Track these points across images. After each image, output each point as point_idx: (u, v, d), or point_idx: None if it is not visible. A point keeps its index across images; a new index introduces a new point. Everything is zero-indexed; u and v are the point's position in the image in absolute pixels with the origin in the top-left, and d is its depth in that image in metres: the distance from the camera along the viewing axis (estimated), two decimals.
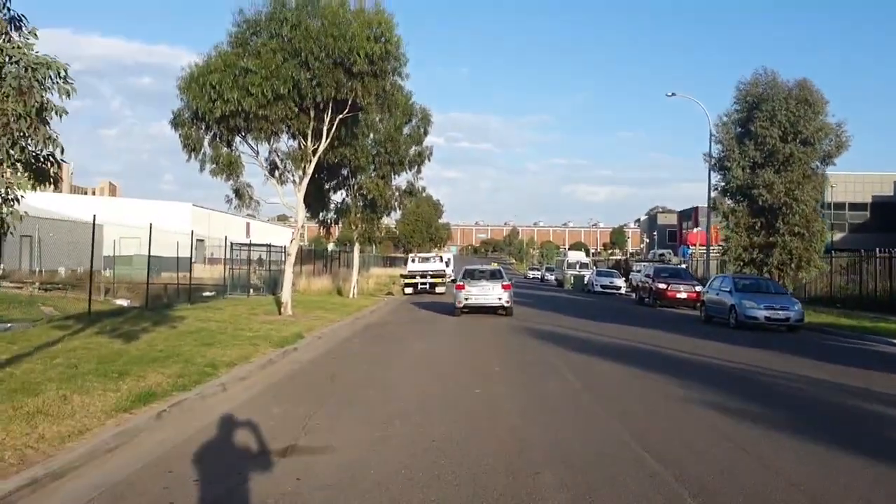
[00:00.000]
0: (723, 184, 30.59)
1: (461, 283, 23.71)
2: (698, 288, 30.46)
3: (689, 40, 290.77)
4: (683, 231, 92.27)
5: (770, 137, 27.97)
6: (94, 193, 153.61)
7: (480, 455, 6.19)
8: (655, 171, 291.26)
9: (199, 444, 6.64)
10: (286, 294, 19.56)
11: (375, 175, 30.77)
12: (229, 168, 19.37)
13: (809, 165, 28.29)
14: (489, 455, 6.20)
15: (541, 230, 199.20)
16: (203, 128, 19.20)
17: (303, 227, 19.95)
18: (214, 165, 19.45)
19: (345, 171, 31.18)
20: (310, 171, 19.97)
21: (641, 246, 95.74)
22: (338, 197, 32.39)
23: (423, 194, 32.33)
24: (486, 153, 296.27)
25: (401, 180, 32.41)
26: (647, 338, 17.14)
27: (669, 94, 36.26)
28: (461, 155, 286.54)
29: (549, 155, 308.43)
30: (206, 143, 19.51)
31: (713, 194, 31.02)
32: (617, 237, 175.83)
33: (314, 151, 20.23)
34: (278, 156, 20.57)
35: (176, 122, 19.22)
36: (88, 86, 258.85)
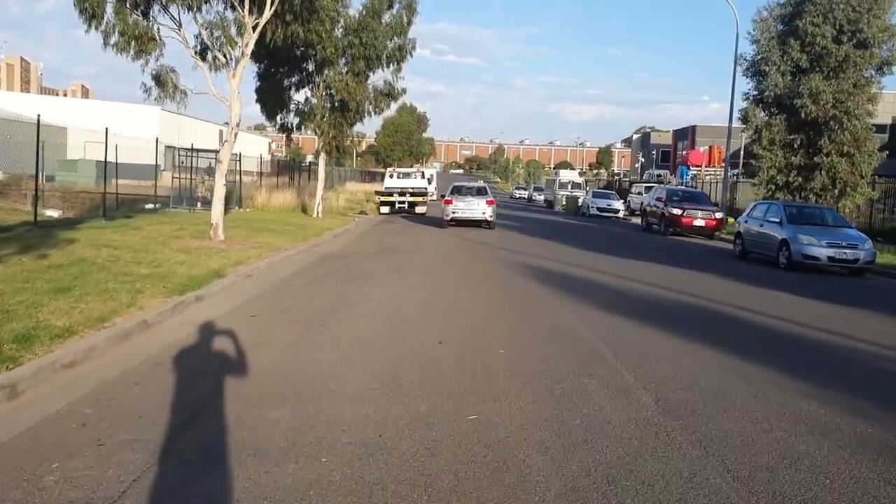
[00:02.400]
0: (755, 93, 26.02)
1: (449, 199, 25.46)
2: (718, 215, 26.30)
3: None
4: (679, 151, 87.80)
5: (821, 37, 23.25)
6: (65, 95, 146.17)
7: None
8: (643, 92, 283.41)
9: None
10: (216, 213, 15.04)
11: (347, 71, 25.75)
12: (138, 42, 14.42)
13: (863, 73, 23.74)
14: None
15: (526, 148, 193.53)
16: None
17: (237, 125, 15.23)
18: (120, 38, 14.50)
19: (310, 67, 26.19)
20: (248, 50, 15.10)
21: (636, 166, 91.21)
22: (301, 97, 27.42)
23: (404, 98, 27.25)
24: (473, 67, 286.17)
25: (377, 79, 27.40)
26: (686, 284, 12.96)
27: None
28: (447, 69, 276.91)
29: (537, 72, 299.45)
30: (109, 7, 14.50)
31: (743, 105, 26.40)
32: (603, 157, 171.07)
33: (255, 27, 15.35)
34: (207, 30, 15.51)
35: None
36: None
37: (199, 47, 16.35)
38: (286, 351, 6.89)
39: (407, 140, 68.44)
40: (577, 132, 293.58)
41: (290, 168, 45.69)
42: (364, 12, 25.47)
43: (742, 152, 32.92)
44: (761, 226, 18.00)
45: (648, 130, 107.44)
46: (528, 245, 20.09)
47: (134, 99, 71.05)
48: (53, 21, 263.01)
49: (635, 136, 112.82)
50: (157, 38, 15.40)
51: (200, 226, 18.45)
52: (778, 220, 17.25)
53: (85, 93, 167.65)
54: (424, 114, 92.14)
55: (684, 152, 57.59)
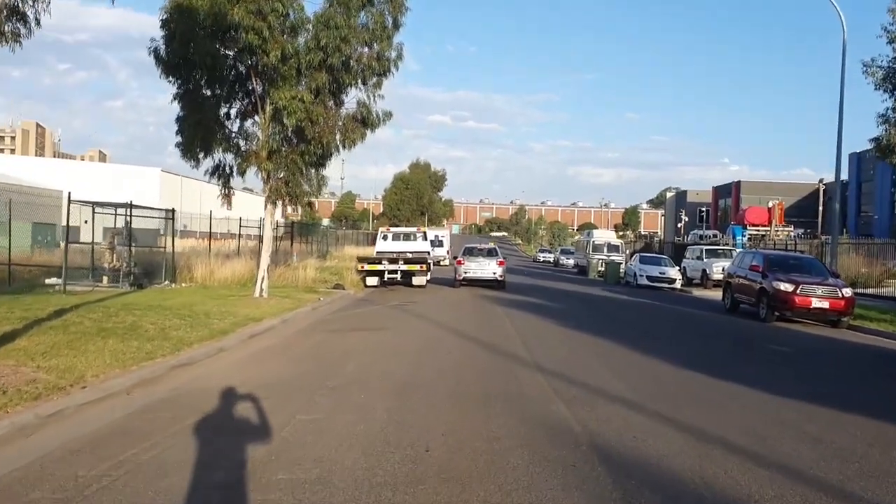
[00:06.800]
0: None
1: (461, 259, 26.28)
2: (846, 292, 17.69)
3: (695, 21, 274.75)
4: (720, 209, 79.55)
5: None
6: (81, 159, 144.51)
7: None
8: (661, 154, 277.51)
9: None
10: None
11: (305, 89, 18.04)
12: None
13: None
14: None
15: (548, 209, 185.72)
16: None
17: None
18: None
19: (257, 86, 18.52)
20: None
21: (679, 225, 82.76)
22: (246, 128, 19.66)
23: (385, 122, 19.19)
24: (493, 133, 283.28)
25: (352, 100, 19.61)
26: None
27: None
28: (468, 135, 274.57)
29: (554, 136, 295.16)
30: None
31: (880, 130, 18.09)
32: (630, 217, 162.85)
33: None
34: None
35: None
36: (94, 57, 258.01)
37: None
38: None
39: (418, 199, 60.04)
40: (598, 193, 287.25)
41: (309, 233, 37.33)
42: (327, 5, 17.90)
43: (823, 206, 24.73)
44: None
45: (683, 190, 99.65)
46: (582, 356, 11.66)
47: (161, 166, 68.61)
48: (82, 92, 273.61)
49: (669, 195, 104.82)
50: None
51: (14, 323, 10.58)
52: None
53: (102, 158, 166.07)
54: (443, 172, 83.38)
55: (740, 210, 49.10)
